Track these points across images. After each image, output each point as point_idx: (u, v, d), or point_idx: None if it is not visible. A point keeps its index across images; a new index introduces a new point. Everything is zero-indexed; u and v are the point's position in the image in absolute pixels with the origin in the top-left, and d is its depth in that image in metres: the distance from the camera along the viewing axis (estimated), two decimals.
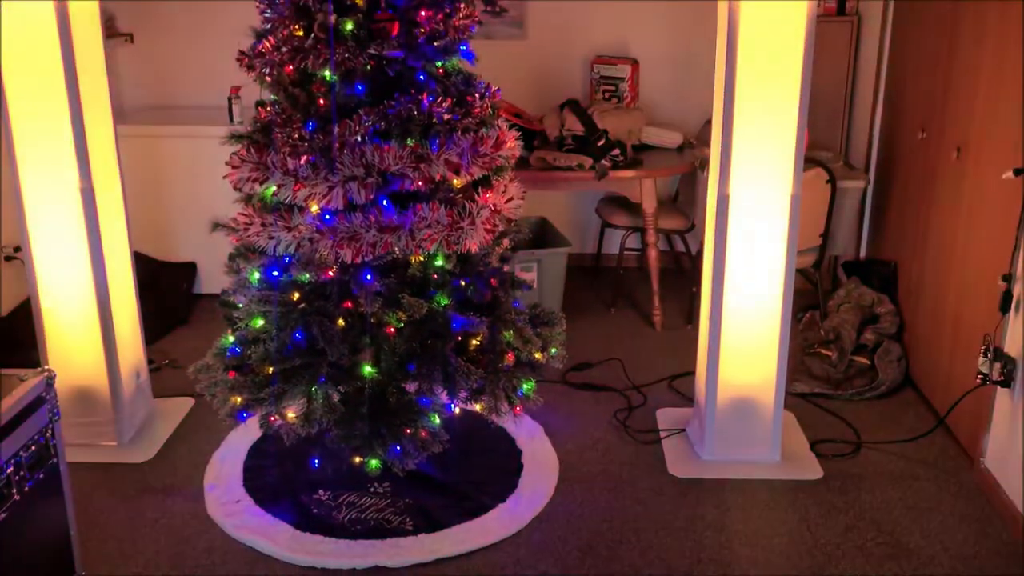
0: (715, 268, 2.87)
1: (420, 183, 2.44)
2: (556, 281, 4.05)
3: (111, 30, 4.47)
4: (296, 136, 2.43)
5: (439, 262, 2.57)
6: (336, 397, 2.62)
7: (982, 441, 2.87)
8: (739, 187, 2.77)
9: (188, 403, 3.39)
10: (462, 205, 2.51)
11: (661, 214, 4.06)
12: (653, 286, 4.06)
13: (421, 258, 2.54)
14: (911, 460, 3.05)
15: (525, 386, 2.77)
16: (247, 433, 3.12)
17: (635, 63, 4.37)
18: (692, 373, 3.57)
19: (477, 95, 2.59)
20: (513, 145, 2.62)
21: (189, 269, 4.37)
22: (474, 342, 2.72)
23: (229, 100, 4.25)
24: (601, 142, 3.79)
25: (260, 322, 2.61)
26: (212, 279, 4.33)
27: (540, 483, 2.90)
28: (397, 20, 2.38)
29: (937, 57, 3.38)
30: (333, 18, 2.38)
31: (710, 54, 4.49)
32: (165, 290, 4.20)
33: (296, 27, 2.43)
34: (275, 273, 2.64)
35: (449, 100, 2.49)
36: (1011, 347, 2.70)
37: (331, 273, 2.50)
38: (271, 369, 2.61)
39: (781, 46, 2.63)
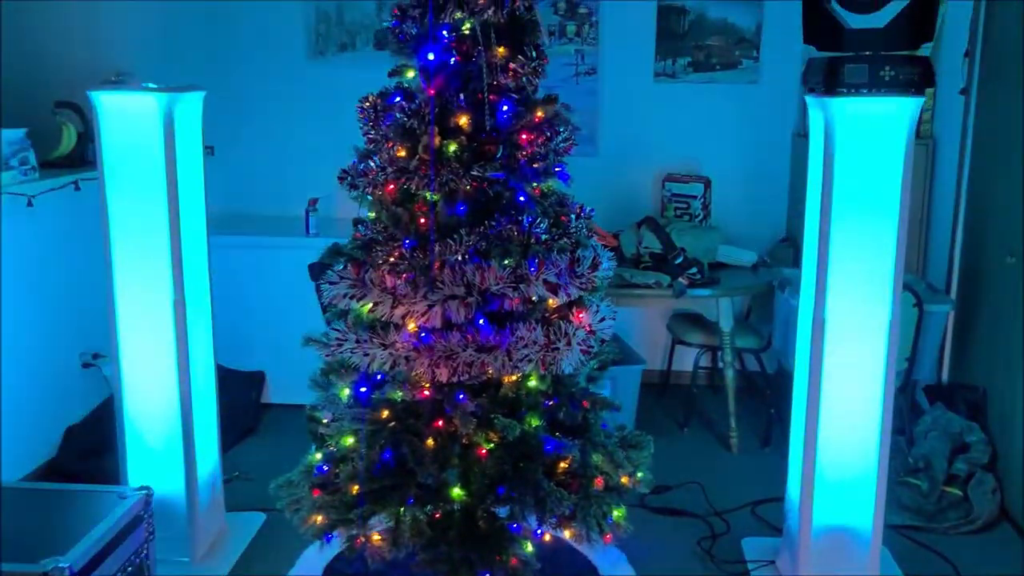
0: (809, 394, 2.80)
1: (518, 303, 2.42)
2: (629, 399, 3.98)
3: None
4: (396, 254, 2.44)
5: (532, 382, 2.52)
6: (424, 520, 2.55)
7: None
8: (835, 311, 2.72)
9: (260, 518, 3.33)
10: (557, 325, 2.49)
11: (736, 333, 4.01)
12: (730, 407, 3.97)
13: (514, 378, 2.51)
14: None
15: (616, 513, 2.67)
16: (323, 552, 3.04)
17: (707, 181, 4.40)
18: (777, 499, 3.46)
19: (572, 215, 2.59)
20: (608, 266, 2.61)
21: (258, 378, 4.37)
22: (563, 465, 2.65)
23: (307, 212, 4.32)
24: (679, 260, 3.77)
25: (350, 440, 2.57)
26: (281, 389, 4.32)
27: None
28: (501, 143, 2.41)
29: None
30: (437, 140, 2.42)
31: (781, 172, 4.55)
32: (234, 399, 4.19)
33: (400, 148, 2.47)
34: (363, 389, 2.61)
35: (547, 221, 2.50)
36: None
37: (426, 392, 2.47)
38: (357, 489, 2.55)
39: (878, 169, 2.62)
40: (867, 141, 2.59)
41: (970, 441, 3.54)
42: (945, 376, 4.13)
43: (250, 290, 4.30)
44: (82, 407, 3.83)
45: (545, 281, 2.43)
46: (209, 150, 4.73)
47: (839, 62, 2.54)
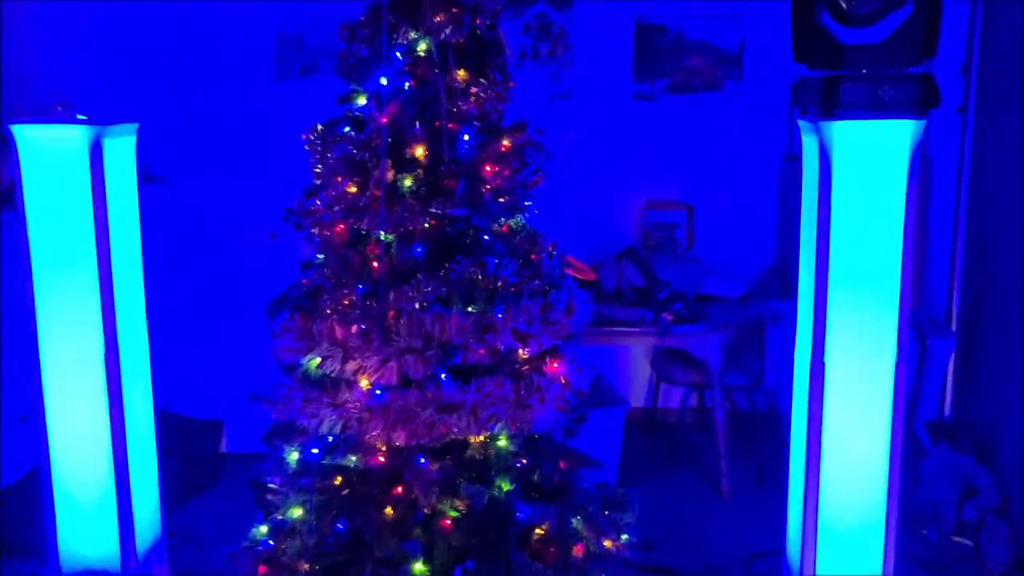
0: (809, 444, 2.54)
1: (484, 355, 2.16)
2: (612, 445, 3.72)
3: (147, 177, 4.32)
4: (346, 302, 2.18)
5: (502, 442, 2.26)
6: None
7: None
8: (836, 351, 2.47)
9: None
10: (528, 379, 2.23)
11: (724, 370, 3.75)
12: (720, 448, 3.72)
13: (482, 438, 2.24)
14: None
15: None
16: None
17: (691, 208, 4.16)
18: (773, 553, 3.20)
19: (544, 254, 2.34)
20: (585, 310, 2.35)
21: (214, 427, 4.08)
22: (538, 531, 2.38)
23: (268, 245, 4.05)
24: (663, 294, 3.53)
25: (298, 511, 2.29)
26: (241, 437, 4.03)
27: None
28: (462, 176, 2.15)
29: None
30: (391, 175, 2.17)
31: (768, 198, 4.32)
32: (187, 451, 3.89)
33: (349, 183, 2.21)
34: (314, 451, 2.34)
35: (515, 262, 2.24)
36: None
37: (382, 458, 2.20)
38: (307, 566, 2.28)
39: (879, 197, 2.38)
40: (867, 166, 2.35)
41: (979, 485, 3.30)
42: (947, 411, 3.89)
43: (207, 330, 4.02)
44: (18, 468, 3.53)
45: (514, 330, 2.17)
46: (161, 180, 4.50)
47: (835, 81, 2.31)
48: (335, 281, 2.22)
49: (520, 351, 2.21)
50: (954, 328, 3.79)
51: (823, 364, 2.48)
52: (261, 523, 2.40)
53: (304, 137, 2.30)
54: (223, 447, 4.09)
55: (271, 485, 2.44)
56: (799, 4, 2.39)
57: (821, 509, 2.57)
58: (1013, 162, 3.29)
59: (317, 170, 2.26)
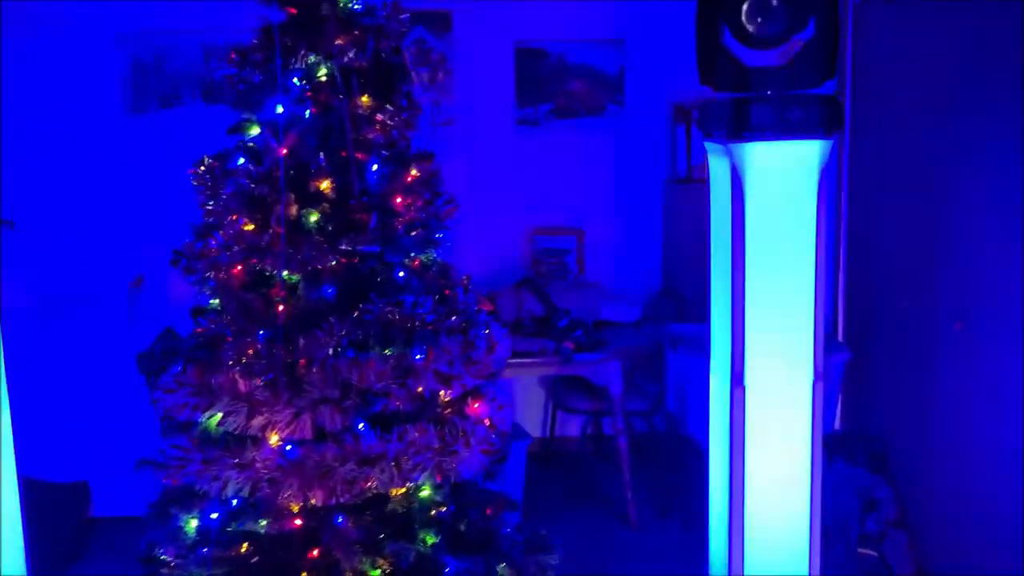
0: (733, 468, 2.50)
1: (406, 401, 2.00)
2: (517, 478, 3.60)
3: None
4: (250, 352, 1.98)
5: (425, 492, 2.11)
6: None
7: None
8: (754, 372, 2.45)
9: None
10: (452, 423, 2.09)
11: (625, 395, 3.71)
12: (625, 477, 3.66)
13: (403, 489, 2.08)
14: None
15: None
16: None
17: (580, 233, 4.12)
18: None
19: (459, 289, 2.21)
20: (506, 345, 2.23)
21: (80, 490, 3.71)
22: None
23: (129, 293, 3.74)
24: (563, 323, 3.45)
25: None
26: (111, 500, 3.68)
27: None
28: (373, 210, 2.00)
29: (918, 214, 3.24)
30: (294, 210, 1.99)
31: (654, 221, 4.34)
32: (49, 519, 3.52)
33: (247, 221, 2.02)
34: (213, 516, 2.12)
35: (431, 299, 2.10)
36: None
37: (297, 522, 2.00)
38: None
39: (790, 216, 2.38)
40: (778, 186, 2.35)
41: (878, 497, 3.36)
42: (837, 424, 3.98)
43: (66, 387, 3.66)
44: None
45: (436, 372, 2.03)
46: (8, 224, 4.10)
47: (745, 103, 2.29)
48: (235, 328, 2.02)
49: (442, 394, 2.08)
50: (842, 340, 3.89)
51: (743, 386, 2.45)
52: None
53: (191, 172, 2.10)
54: (91, 511, 3.73)
55: (164, 558, 2.20)
56: (704, 27, 2.36)
57: (747, 531, 2.53)
58: (889, 182, 3.41)
59: (209, 207, 2.06)
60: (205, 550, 2.10)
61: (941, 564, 3.13)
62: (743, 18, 2.32)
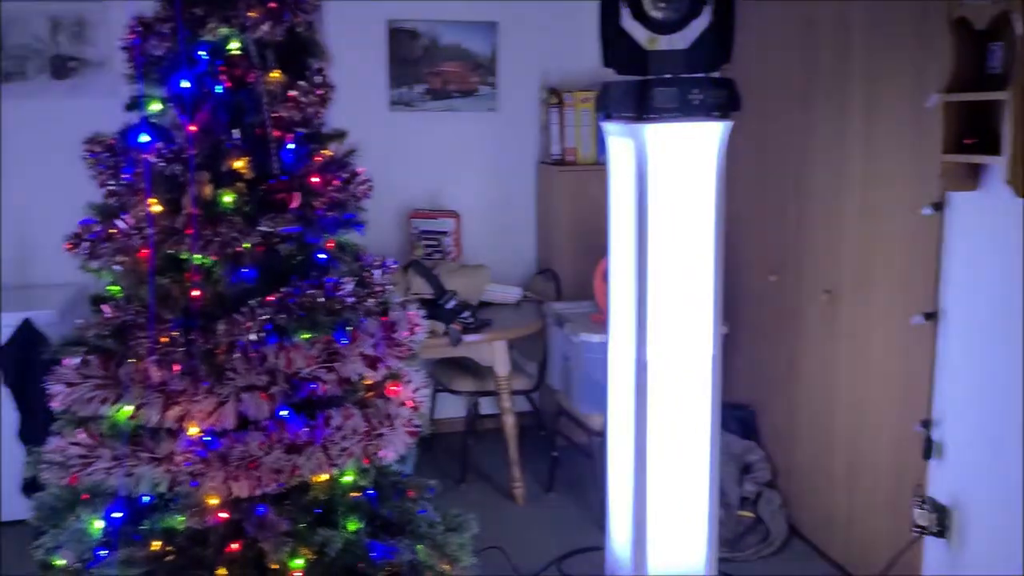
0: (637, 439, 2.58)
1: (334, 386, 1.96)
2: (407, 456, 3.57)
3: None
4: (164, 340, 1.88)
5: (348, 478, 2.07)
6: None
7: None
8: (656, 350, 2.54)
9: None
10: (376, 406, 2.06)
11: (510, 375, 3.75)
12: (511, 456, 3.71)
13: (324, 476, 2.03)
14: None
15: None
16: None
17: (456, 215, 4.12)
18: (580, 551, 3.26)
19: (376, 271, 2.17)
20: (424, 327, 2.22)
21: None
22: (391, 567, 2.21)
23: None
24: (451, 304, 3.45)
25: None
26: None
27: None
28: (293, 189, 1.93)
29: (782, 192, 3.43)
30: (207, 190, 1.90)
31: (527, 202, 4.39)
32: None
33: (156, 203, 1.91)
34: (116, 515, 2.00)
35: (350, 281, 2.06)
36: (938, 494, 2.64)
37: (222, 515, 1.92)
38: None
39: (692, 196, 2.47)
40: (680, 166, 2.43)
41: (752, 461, 3.56)
42: None
43: None
44: None
45: (362, 354, 1.99)
46: None
47: (648, 85, 2.36)
48: (147, 316, 1.91)
49: (366, 378, 2.04)
50: None
51: (645, 362, 2.53)
52: None
53: (87, 150, 1.96)
54: None
55: (62, 563, 2.06)
56: (607, 11, 2.41)
57: (649, 501, 2.62)
58: (747, 159, 3.59)
59: (111, 187, 1.93)
60: (110, 552, 1.98)
61: (810, 522, 3.36)
62: (644, 5, 2.39)
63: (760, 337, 3.63)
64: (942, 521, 2.59)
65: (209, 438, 1.90)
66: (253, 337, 1.88)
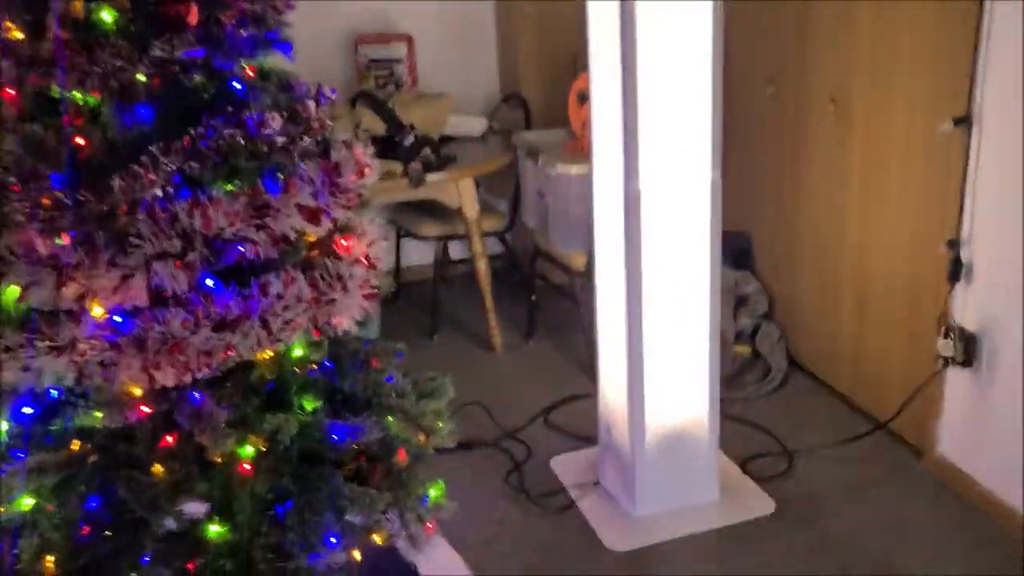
0: (629, 280, 2.27)
1: (267, 247, 1.60)
2: (368, 320, 3.27)
3: None
4: (45, 201, 1.50)
5: (299, 352, 1.75)
6: None
7: (934, 428, 2.55)
8: (649, 180, 2.19)
9: None
10: (324, 267, 1.71)
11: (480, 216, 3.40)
12: (486, 303, 3.42)
13: (269, 353, 1.71)
14: (851, 462, 2.68)
15: (433, 491, 2.02)
16: None
17: (408, 38, 3.65)
18: (566, 401, 3.03)
19: (311, 103, 1.77)
20: (375, 168, 1.84)
21: None
22: (354, 446, 1.93)
23: None
24: (409, 141, 3.05)
25: (29, 501, 1.65)
26: None
27: None
28: (194, 1, 1.51)
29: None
30: (78, 5, 1.47)
31: (486, 19, 3.91)
32: None
33: (11, 26, 1.48)
34: (27, 410, 1.69)
35: (277, 115, 1.66)
36: (965, 321, 2.38)
37: (145, 409, 1.60)
38: (57, 569, 1.67)
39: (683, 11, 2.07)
40: None
41: (747, 292, 3.29)
42: None
43: None
44: None
45: (299, 206, 1.62)
46: None
47: None
48: (22, 173, 1.52)
49: (308, 234, 1.68)
50: None
51: (637, 192, 2.19)
52: None
53: None
54: None
55: None
56: None
57: (646, 343, 2.34)
58: None
59: None
60: (21, 455, 1.67)
61: (812, 355, 3.13)
62: None
63: (755, 157, 3.28)
64: (969, 350, 2.34)
65: (120, 319, 1.55)
66: (159, 193, 1.50)
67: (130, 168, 1.50)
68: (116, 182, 1.50)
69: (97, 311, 1.53)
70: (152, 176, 1.50)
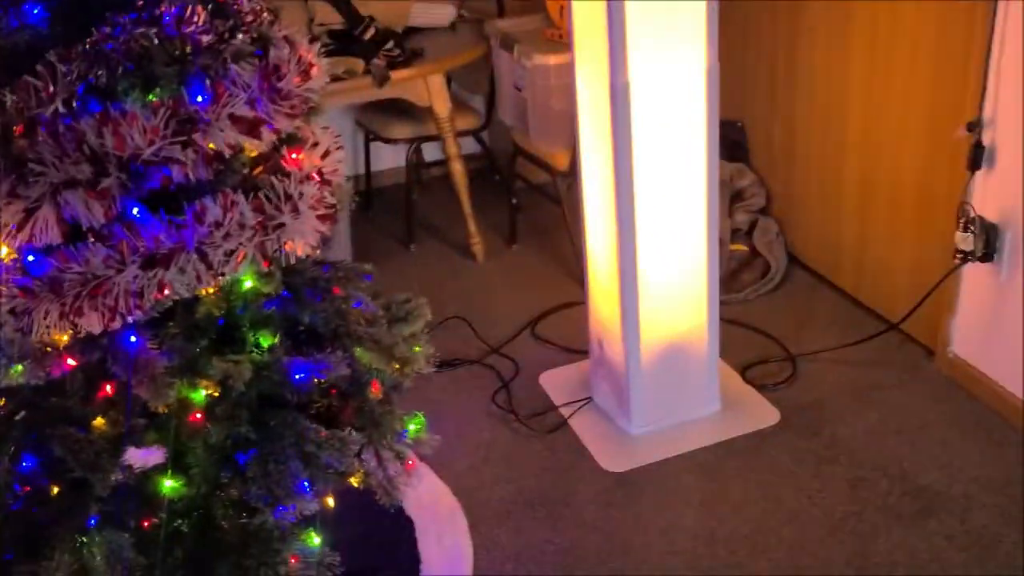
0: (618, 178, 2.06)
1: (198, 167, 1.37)
2: (339, 229, 3.05)
3: None
4: None
5: (249, 284, 1.54)
6: (128, 542, 1.56)
7: (947, 327, 2.38)
8: (638, 69, 1.95)
9: None
10: (270, 185, 1.48)
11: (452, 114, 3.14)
12: (464, 208, 3.19)
13: (213, 288, 1.50)
14: (858, 365, 2.52)
15: (412, 426, 1.85)
16: None
17: None
18: (552, 311, 2.85)
19: None
20: (323, 70, 1.59)
21: None
22: (320, 384, 1.74)
23: None
24: (369, 34, 2.77)
25: None
26: None
27: (449, 547, 2.04)
28: None
29: None
30: None
31: None
32: None
33: None
34: None
35: (201, 9, 1.41)
36: (985, 211, 2.18)
37: (71, 362, 1.40)
38: None
39: None
40: None
41: (742, 186, 3.08)
42: None
43: None
44: None
45: (233, 117, 1.39)
46: None
47: None
48: None
49: (248, 147, 1.45)
50: None
51: (626, 84, 1.95)
52: None
53: None
54: None
55: None
56: None
57: (639, 244, 2.14)
58: None
59: None
60: None
61: (813, 250, 2.94)
62: None
63: (748, 39, 3.02)
64: (990, 242, 2.15)
65: (32, 258, 1.33)
66: (60, 108, 1.27)
67: (24, 80, 1.26)
68: (7, 97, 1.26)
69: (3, 251, 1.32)
70: (50, 88, 1.26)
